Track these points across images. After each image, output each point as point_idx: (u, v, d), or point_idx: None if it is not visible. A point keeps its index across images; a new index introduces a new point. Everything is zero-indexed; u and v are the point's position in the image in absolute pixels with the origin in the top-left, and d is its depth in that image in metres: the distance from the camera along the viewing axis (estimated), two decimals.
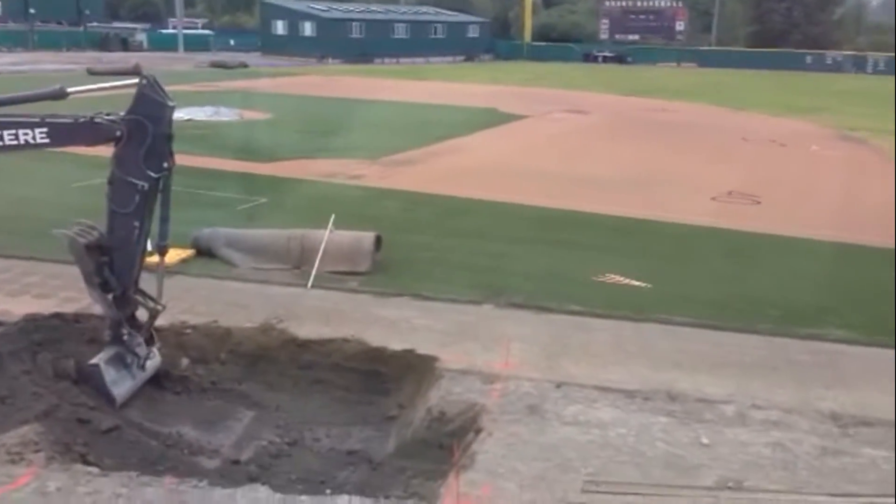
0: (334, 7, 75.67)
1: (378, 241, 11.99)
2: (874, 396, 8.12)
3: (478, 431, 7.19)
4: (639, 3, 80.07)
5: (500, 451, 6.86)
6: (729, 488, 6.37)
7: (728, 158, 23.25)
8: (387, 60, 69.67)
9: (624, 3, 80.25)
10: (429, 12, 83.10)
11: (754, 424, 7.44)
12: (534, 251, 13.17)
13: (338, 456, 7.51)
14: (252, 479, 6.67)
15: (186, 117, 26.86)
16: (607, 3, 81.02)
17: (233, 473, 6.89)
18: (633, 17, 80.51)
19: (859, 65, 65.74)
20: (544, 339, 9.32)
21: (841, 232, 14.88)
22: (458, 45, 77.04)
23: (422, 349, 8.84)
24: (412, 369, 8.57)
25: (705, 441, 7.10)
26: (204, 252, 12.13)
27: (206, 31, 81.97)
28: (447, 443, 7.06)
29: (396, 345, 8.97)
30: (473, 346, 9.03)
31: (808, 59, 67.45)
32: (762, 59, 67.70)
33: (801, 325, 10.04)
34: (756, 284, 11.82)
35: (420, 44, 74.38)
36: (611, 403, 7.76)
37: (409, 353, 8.76)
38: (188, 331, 9.08)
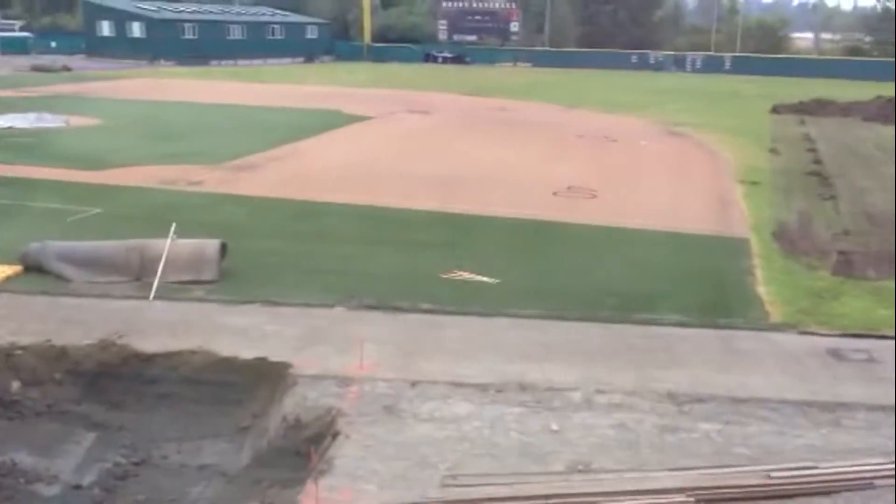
0: (164, 7, 72.76)
1: (223, 249, 11.67)
2: (706, 375, 8.70)
3: (335, 435, 7.16)
4: (475, 5, 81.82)
5: (358, 453, 6.86)
6: (579, 471, 6.65)
7: (565, 154, 24.17)
8: (224, 62, 67.73)
9: (461, 4, 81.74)
10: (266, 13, 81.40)
11: (599, 408, 7.81)
12: (383, 252, 13.21)
13: (190, 472, 7.27)
14: None
15: (6, 125, 25.10)
16: (445, 5, 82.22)
17: (75, 499, 6.53)
18: (469, 18, 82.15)
19: (679, 64, 69.96)
20: (398, 339, 9.38)
21: (669, 222, 15.79)
22: (297, 47, 75.91)
23: (274, 356, 8.70)
24: (265, 377, 8.42)
25: (555, 427, 7.39)
26: (34, 268, 11.41)
27: (25, 34, 76.84)
28: (304, 449, 6.98)
29: (247, 353, 8.78)
30: (327, 350, 8.97)
31: (634, 59, 71.09)
32: (592, 59, 70.80)
33: (638, 311, 10.61)
34: (597, 275, 12.38)
35: (257, 45, 72.74)
36: (465, 398, 7.92)
37: (261, 361, 8.60)
38: (18, 352, 8.52)
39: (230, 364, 8.60)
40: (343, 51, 79.96)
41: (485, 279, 11.83)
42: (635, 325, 10.19)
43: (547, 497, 6.22)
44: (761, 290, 11.68)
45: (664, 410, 7.81)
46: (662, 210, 16.85)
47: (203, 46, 68.59)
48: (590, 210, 16.70)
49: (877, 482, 6.41)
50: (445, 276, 11.92)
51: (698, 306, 10.90)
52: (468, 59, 75.25)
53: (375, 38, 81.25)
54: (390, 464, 6.70)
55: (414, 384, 8.16)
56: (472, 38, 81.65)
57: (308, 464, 6.67)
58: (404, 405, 7.74)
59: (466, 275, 11.99)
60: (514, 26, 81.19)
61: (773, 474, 6.43)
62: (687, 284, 12.06)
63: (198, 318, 9.89)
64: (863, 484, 6.41)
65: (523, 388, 8.17)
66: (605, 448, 7.06)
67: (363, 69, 63.94)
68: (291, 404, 7.80)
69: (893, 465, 6.62)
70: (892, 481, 6.44)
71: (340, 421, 7.39)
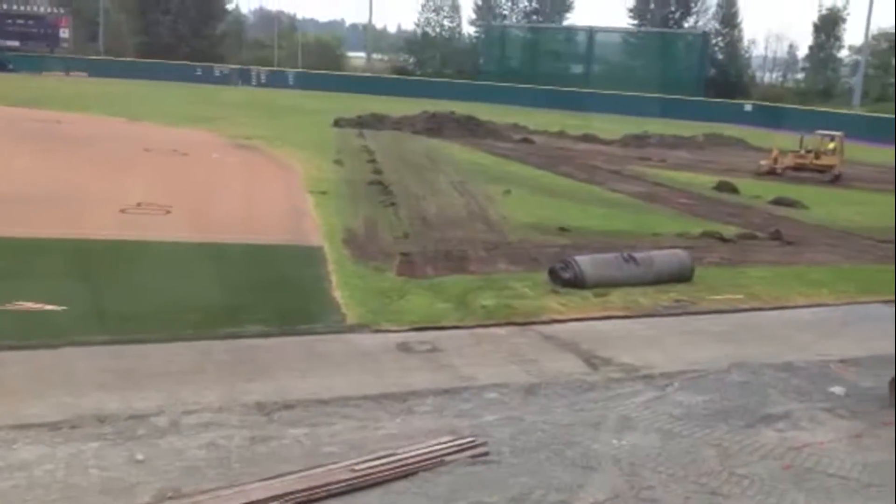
0: None
1: None
2: (292, 381, 8.93)
3: None
4: (15, 7, 74.12)
5: None
6: (169, 498, 6.39)
7: (133, 170, 22.99)
8: None
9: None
10: None
11: (187, 430, 7.58)
12: None
13: None
14: None
15: None
16: None
17: None
18: (10, 21, 74.23)
19: (245, 78, 70.71)
20: None
21: (247, 234, 15.90)
22: None
23: None
24: None
25: (140, 457, 7.00)
26: None
27: None
28: None
29: None
30: None
31: (199, 72, 70.14)
32: (155, 70, 68.28)
33: (222, 325, 10.52)
34: (176, 292, 11.97)
35: None
36: (34, 440, 7.14)
37: None
38: None
39: None
40: None
41: (49, 307, 10.77)
42: (220, 340, 10.08)
43: None
44: (337, 294, 12.30)
45: (254, 422, 7.85)
46: (238, 222, 16.89)
47: None
48: (163, 226, 16.11)
49: (447, 459, 7.14)
50: (3, 308, 10.62)
51: (280, 315, 11.13)
52: (10, 65, 67.80)
53: None
54: None
55: None
56: (15, 43, 73.82)
57: None
58: None
59: (28, 305, 10.81)
60: (64, 32, 75.16)
61: (357, 467, 6.82)
62: (267, 294, 12.25)
63: None
64: (436, 462, 7.09)
65: (101, 420, 7.61)
66: (196, 470, 6.87)
67: None
68: None
69: (459, 443, 7.44)
70: (461, 455, 7.23)
71: None
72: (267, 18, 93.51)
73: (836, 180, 29.24)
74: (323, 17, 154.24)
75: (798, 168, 29.96)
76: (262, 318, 10.91)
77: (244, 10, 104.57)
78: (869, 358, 10.63)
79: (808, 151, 30.49)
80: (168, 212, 17.44)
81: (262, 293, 12.31)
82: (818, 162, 30.04)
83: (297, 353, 9.89)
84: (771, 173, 29.75)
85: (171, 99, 49.40)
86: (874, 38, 64.18)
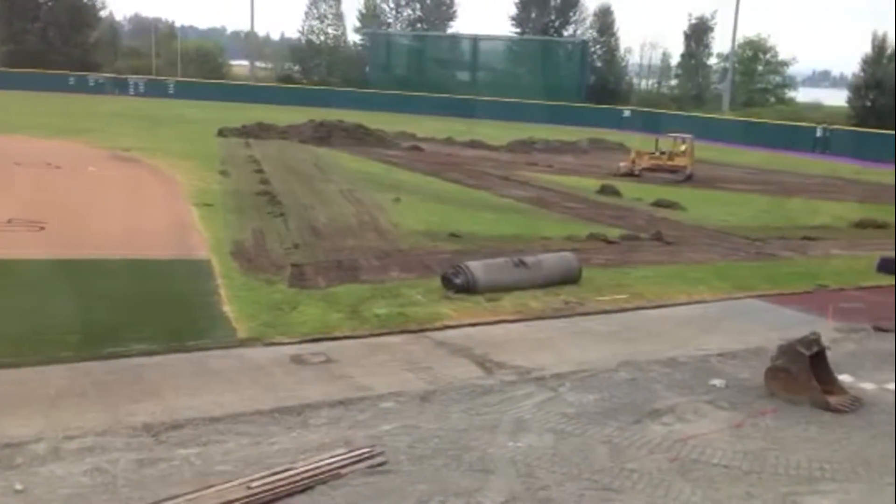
0: None
1: None
2: (181, 400, 8.65)
3: None
4: None
5: None
6: None
7: (2, 185, 21.84)
8: None
9: None
10: None
11: (69, 456, 7.24)
12: None
13: None
14: None
15: None
16: None
17: None
18: None
19: (122, 87, 68.09)
20: None
21: (128, 249, 15.34)
22: None
23: None
24: None
25: (19, 487, 6.64)
26: None
27: None
28: None
29: None
30: None
31: (72, 81, 67.18)
32: (23, 80, 64.78)
33: (103, 345, 10.09)
34: (53, 312, 11.41)
35: None
36: None
37: None
38: None
39: None
40: None
41: None
42: (103, 360, 9.67)
43: None
44: (227, 308, 12.02)
45: (141, 444, 7.57)
46: (119, 237, 16.27)
47: None
48: (38, 243, 15.33)
49: (343, 471, 7.08)
50: None
51: (167, 332, 10.78)
52: None
53: None
54: None
55: None
56: None
57: None
58: None
59: None
60: None
61: (253, 484, 6.68)
62: (153, 311, 11.84)
63: None
64: (333, 475, 7.02)
65: None
66: (80, 497, 6.57)
67: None
68: None
69: (356, 454, 7.38)
70: (358, 466, 7.17)
71: None
72: (143, 26, 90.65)
73: (688, 180, 30.73)
74: (203, 25, 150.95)
75: (654, 169, 31.44)
76: (148, 336, 10.54)
77: (119, 17, 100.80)
78: (745, 350, 11.19)
79: (663, 153, 32.14)
80: (42, 228, 16.61)
81: (147, 310, 11.89)
82: (671, 163, 31.72)
83: (185, 370, 9.60)
84: (629, 174, 30.99)
85: (42, 110, 47.12)
86: (740, 46, 67.60)
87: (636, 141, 33.60)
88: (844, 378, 9.96)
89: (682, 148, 32.30)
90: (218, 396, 8.80)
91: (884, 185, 33.13)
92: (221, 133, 38.36)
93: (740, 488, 7.24)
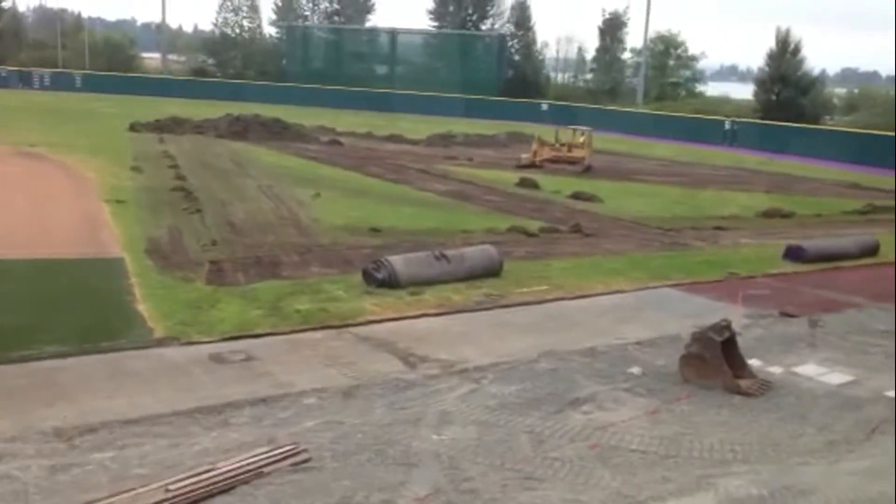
0: None
1: None
2: (96, 403, 8.41)
3: None
4: None
5: None
6: None
7: None
8: None
9: None
10: None
11: None
12: None
13: None
14: None
15: None
16: None
17: None
18: None
19: (26, 80, 65.46)
20: None
21: (35, 248, 14.79)
22: None
23: None
24: None
25: None
26: None
27: None
28: None
29: None
30: None
31: None
32: None
33: (12, 348, 9.72)
34: None
35: None
36: None
37: None
38: None
39: None
40: None
41: None
42: (11, 364, 9.32)
43: None
44: (141, 307, 11.72)
45: (53, 450, 7.32)
46: (24, 237, 15.68)
47: None
48: None
49: (266, 470, 6.99)
50: None
51: (79, 333, 10.45)
52: None
53: None
54: None
55: None
56: None
57: None
58: None
59: None
60: None
61: (172, 486, 6.54)
62: (64, 312, 11.45)
63: None
64: (255, 474, 6.93)
65: None
66: None
67: None
68: None
69: (279, 452, 7.31)
70: (282, 464, 7.10)
71: None
72: (48, 17, 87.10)
73: (587, 171, 31.42)
74: (111, 16, 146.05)
75: (554, 160, 32.09)
76: (59, 338, 10.19)
77: (22, 7, 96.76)
78: (661, 338, 11.50)
79: (563, 145, 32.85)
80: None
81: (58, 311, 11.50)
82: (570, 154, 32.49)
83: (100, 372, 9.32)
84: (531, 166, 31.49)
85: None
86: (652, 41, 69.15)
87: (553, 134, 33.93)
88: (754, 362, 10.34)
89: (581, 140, 33.05)
90: (134, 398, 8.59)
91: (789, 176, 34.50)
92: (133, 128, 37.27)
93: (657, 473, 7.45)
